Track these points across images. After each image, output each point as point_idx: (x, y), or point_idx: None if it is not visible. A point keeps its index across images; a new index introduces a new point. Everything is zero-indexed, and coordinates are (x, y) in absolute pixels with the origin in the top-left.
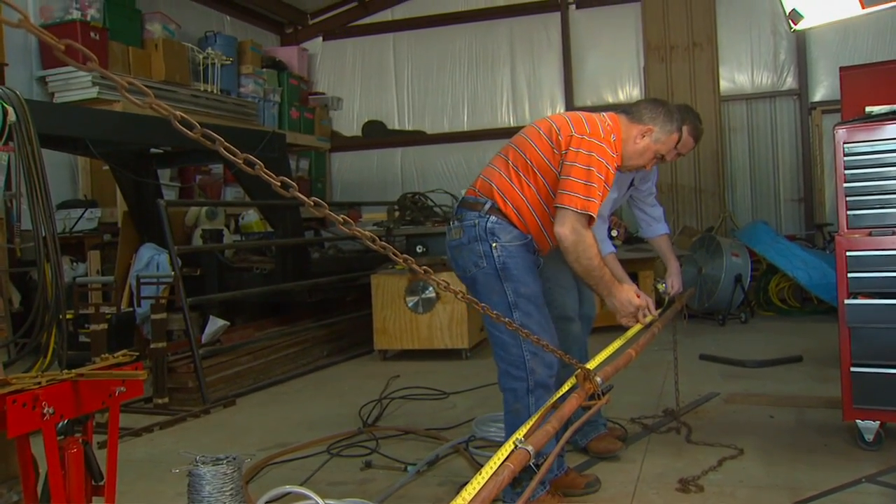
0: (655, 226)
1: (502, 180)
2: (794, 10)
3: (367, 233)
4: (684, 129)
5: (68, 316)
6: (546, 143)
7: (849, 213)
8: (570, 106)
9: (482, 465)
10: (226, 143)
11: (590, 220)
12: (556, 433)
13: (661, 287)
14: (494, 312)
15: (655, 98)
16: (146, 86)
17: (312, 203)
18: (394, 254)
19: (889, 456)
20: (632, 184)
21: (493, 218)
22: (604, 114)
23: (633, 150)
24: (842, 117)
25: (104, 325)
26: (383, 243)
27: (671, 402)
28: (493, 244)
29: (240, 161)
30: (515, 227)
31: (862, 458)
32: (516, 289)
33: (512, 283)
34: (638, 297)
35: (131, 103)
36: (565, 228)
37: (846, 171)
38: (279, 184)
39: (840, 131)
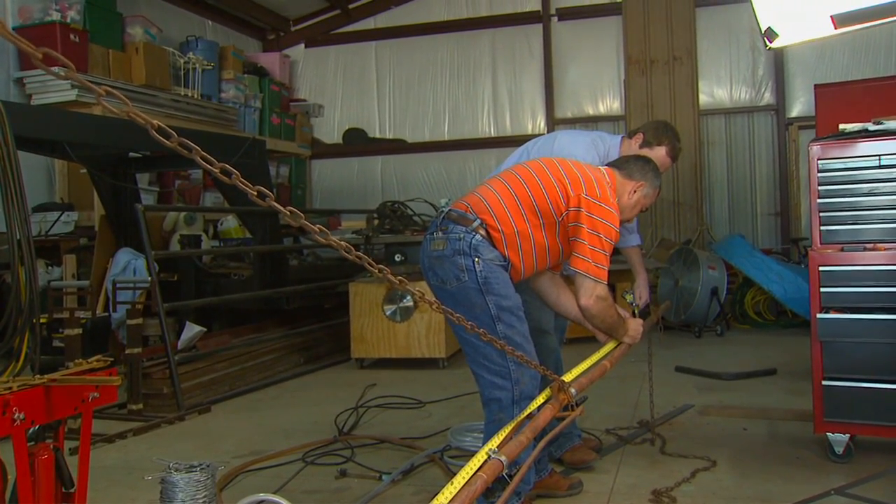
0: (628, 237)
1: (499, 206)
2: (769, 28)
3: (342, 243)
4: (662, 148)
5: (42, 320)
6: (555, 192)
7: (822, 228)
8: (550, 117)
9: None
10: (202, 153)
11: (604, 284)
12: (530, 443)
13: (629, 298)
14: (481, 329)
15: (642, 156)
16: (126, 90)
17: (288, 212)
18: (369, 264)
19: (858, 468)
20: None
21: (478, 236)
22: (602, 169)
23: (627, 203)
24: (816, 134)
25: (79, 330)
26: (359, 253)
27: (646, 414)
28: (476, 259)
29: (217, 170)
30: (497, 250)
31: (832, 470)
32: (498, 302)
33: (494, 296)
34: (638, 321)
35: (109, 110)
36: (590, 301)
37: (819, 188)
38: (255, 193)
39: (814, 148)
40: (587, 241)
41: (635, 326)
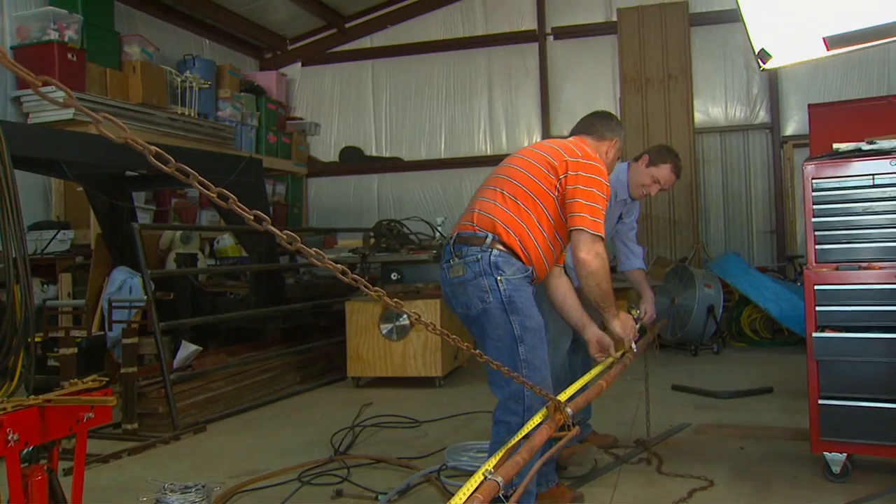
0: (634, 261)
1: (501, 212)
2: (762, 49)
3: (338, 266)
4: (667, 165)
5: (37, 339)
6: (541, 171)
7: (817, 247)
8: (546, 135)
9: (454, 495)
10: (200, 178)
11: (601, 240)
12: (527, 464)
13: (635, 313)
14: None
15: (599, 112)
16: (123, 108)
17: (285, 237)
18: (365, 286)
19: (855, 488)
20: (620, 218)
21: (495, 251)
22: (571, 139)
23: (607, 161)
24: (810, 153)
25: (74, 349)
26: (354, 276)
27: (643, 433)
28: (499, 277)
29: (214, 195)
30: (518, 259)
31: (829, 490)
32: (522, 322)
33: (518, 316)
34: (630, 317)
35: (109, 134)
36: (589, 255)
37: (814, 206)
38: (252, 217)
39: (808, 167)
40: (582, 198)
41: (626, 319)
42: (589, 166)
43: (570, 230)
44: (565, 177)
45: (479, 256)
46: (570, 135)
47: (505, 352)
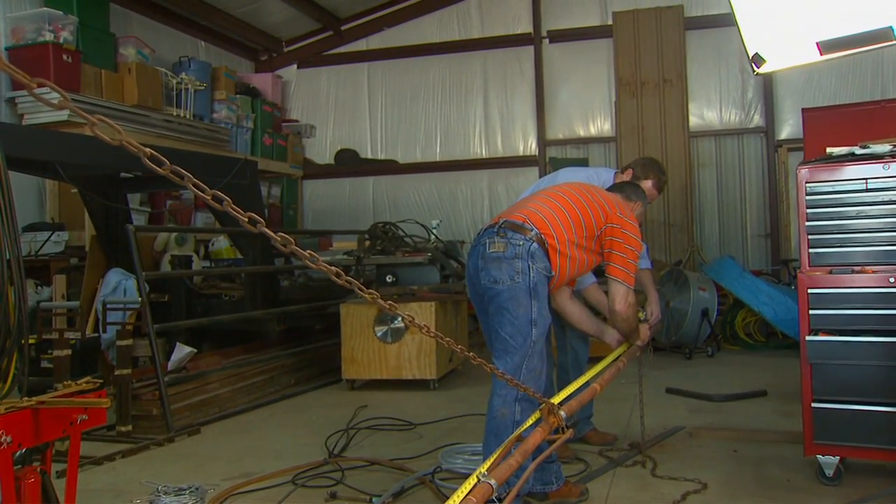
0: (640, 261)
1: (554, 219)
2: (756, 54)
3: (332, 268)
4: (649, 181)
5: (31, 341)
6: (597, 210)
7: (810, 251)
8: (541, 138)
9: (448, 497)
10: (195, 180)
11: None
12: (520, 466)
13: (641, 315)
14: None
15: (632, 182)
16: (118, 110)
17: (279, 239)
18: (360, 288)
19: (848, 491)
20: None
21: (535, 245)
22: (610, 195)
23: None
24: (804, 157)
25: (68, 351)
26: (349, 278)
27: (637, 436)
28: (532, 265)
29: (209, 197)
30: (548, 260)
31: (822, 493)
32: (540, 309)
33: (538, 302)
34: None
35: (103, 136)
36: (622, 306)
37: (808, 210)
38: (247, 219)
39: (802, 171)
40: (624, 254)
41: (645, 331)
42: (632, 227)
43: (607, 276)
44: (611, 227)
45: (522, 243)
46: (608, 189)
47: (519, 330)
